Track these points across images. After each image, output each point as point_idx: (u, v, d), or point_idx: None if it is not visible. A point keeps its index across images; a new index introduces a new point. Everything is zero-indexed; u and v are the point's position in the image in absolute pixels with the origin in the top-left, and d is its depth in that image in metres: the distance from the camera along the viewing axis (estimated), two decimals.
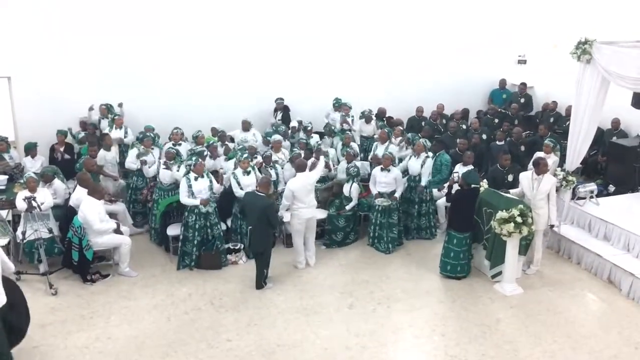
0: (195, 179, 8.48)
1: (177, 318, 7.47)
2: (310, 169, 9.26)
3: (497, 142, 11.24)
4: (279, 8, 12.40)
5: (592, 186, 9.78)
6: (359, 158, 10.52)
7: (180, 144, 10.24)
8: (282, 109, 12.48)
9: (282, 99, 12.49)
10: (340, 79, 13.04)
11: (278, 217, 8.24)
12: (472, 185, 8.37)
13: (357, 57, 13.25)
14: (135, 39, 11.55)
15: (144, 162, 9.63)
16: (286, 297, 8.01)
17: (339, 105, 12.40)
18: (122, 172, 10.76)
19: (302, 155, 9.93)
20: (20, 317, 6.32)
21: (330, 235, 9.55)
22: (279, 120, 12.27)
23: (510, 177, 9.22)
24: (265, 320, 7.46)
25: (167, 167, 9.22)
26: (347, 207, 9.43)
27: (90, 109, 11.42)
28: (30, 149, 10.19)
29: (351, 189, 9.44)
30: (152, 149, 9.95)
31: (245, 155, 9.26)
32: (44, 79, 11.09)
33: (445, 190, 9.30)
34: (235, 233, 9.19)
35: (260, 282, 8.14)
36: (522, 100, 13.76)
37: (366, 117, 11.98)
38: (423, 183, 9.63)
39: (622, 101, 10.50)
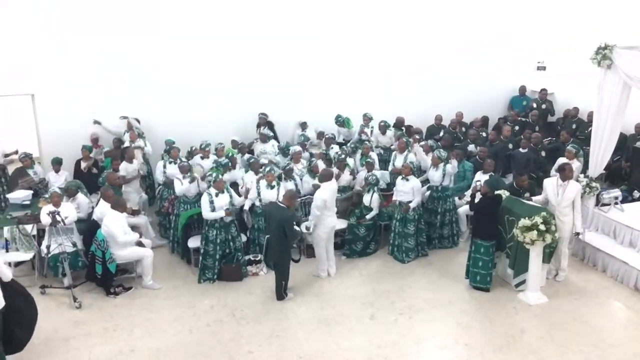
0: (216, 195, 8.50)
1: (199, 330, 7.50)
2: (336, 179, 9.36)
3: (521, 150, 11.12)
4: (290, 21, 12.44)
5: (617, 192, 9.64)
6: (377, 167, 10.52)
7: (208, 157, 10.42)
8: (266, 124, 12.16)
9: (265, 114, 12.20)
10: (357, 89, 13.05)
11: (295, 231, 8.22)
12: (496, 192, 8.30)
13: (375, 67, 13.24)
14: (157, 56, 11.69)
15: (192, 180, 9.43)
16: (307, 307, 8.00)
17: (341, 122, 12.36)
18: (145, 185, 10.93)
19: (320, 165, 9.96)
20: (23, 330, 6.48)
21: (350, 245, 9.53)
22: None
23: (527, 195, 9.12)
24: (286, 331, 7.45)
25: (193, 180, 9.29)
26: (368, 217, 9.42)
27: (96, 122, 11.53)
28: (58, 164, 10.38)
29: (372, 199, 9.43)
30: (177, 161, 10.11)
31: (269, 168, 9.30)
32: (67, 96, 11.26)
33: (467, 199, 9.25)
34: (254, 244, 9.22)
35: (280, 293, 8.15)
36: (544, 106, 13.65)
37: (381, 127, 11.97)
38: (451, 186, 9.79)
39: None
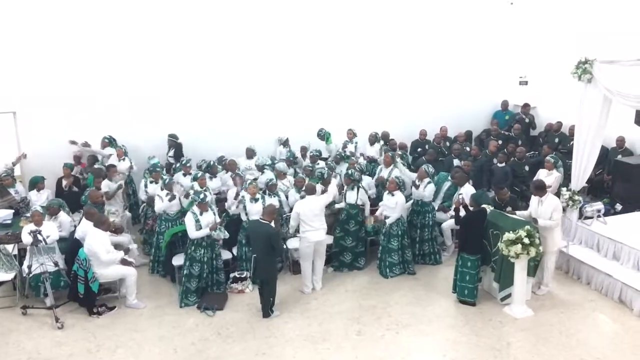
0: (201, 213, 8.39)
1: (184, 349, 7.39)
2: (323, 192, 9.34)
3: (498, 164, 11.19)
4: (275, 35, 12.51)
5: (599, 205, 9.72)
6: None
7: (190, 173, 10.32)
8: (175, 146, 11.91)
9: (173, 135, 11.91)
10: (342, 104, 13.14)
11: (282, 245, 8.18)
12: (482, 206, 8.32)
13: (360, 82, 13.32)
14: (139, 73, 11.67)
15: (172, 198, 9.30)
16: (294, 324, 7.93)
17: (322, 136, 12.35)
18: (127, 204, 10.84)
19: (307, 180, 9.93)
20: None
21: (338, 257, 9.50)
22: (170, 156, 11.85)
23: (509, 208, 9.16)
24: (273, 349, 7.38)
25: (172, 198, 9.23)
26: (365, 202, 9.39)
27: (72, 142, 11.47)
28: (37, 183, 10.25)
29: (358, 196, 9.36)
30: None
31: (250, 181, 9.29)
32: (49, 114, 11.18)
33: (452, 213, 9.28)
34: (241, 260, 9.15)
35: (267, 310, 8.08)
36: (527, 120, 13.78)
37: (370, 138, 12.04)
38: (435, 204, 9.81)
39: (626, 119, 10.48)
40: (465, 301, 8.33)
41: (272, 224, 7.93)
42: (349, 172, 9.55)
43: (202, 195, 8.43)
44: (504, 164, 11.17)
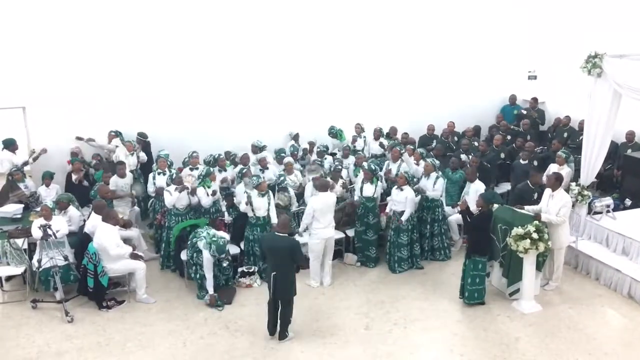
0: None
1: (193, 343, 7.43)
2: (330, 190, 9.33)
3: (521, 161, 11.05)
4: (283, 32, 12.49)
5: (608, 200, 9.68)
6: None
7: (197, 168, 10.32)
8: (143, 144, 11.67)
9: (142, 134, 11.63)
10: (350, 100, 13.09)
11: (303, 256, 7.91)
12: (491, 205, 8.25)
13: (367, 77, 13.26)
14: (147, 69, 11.67)
15: (182, 189, 9.30)
16: (302, 319, 7.94)
17: (334, 133, 12.30)
18: (136, 199, 10.86)
19: (322, 175, 9.96)
20: None
21: (363, 251, 9.52)
22: (140, 153, 11.64)
23: (535, 195, 9.10)
24: (281, 344, 7.40)
25: (182, 190, 9.24)
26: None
27: (78, 139, 11.46)
28: (49, 178, 10.29)
29: (376, 189, 9.38)
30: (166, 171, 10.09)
31: (261, 178, 9.30)
32: (58, 109, 11.21)
33: (459, 208, 9.25)
34: (249, 255, 9.17)
35: (284, 333, 7.49)
36: (534, 116, 13.69)
37: (375, 133, 12.02)
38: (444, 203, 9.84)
39: (636, 113, 10.41)
40: (477, 303, 8.20)
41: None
42: (370, 165, 9.53)
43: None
44: (526, 162, 10.97)
